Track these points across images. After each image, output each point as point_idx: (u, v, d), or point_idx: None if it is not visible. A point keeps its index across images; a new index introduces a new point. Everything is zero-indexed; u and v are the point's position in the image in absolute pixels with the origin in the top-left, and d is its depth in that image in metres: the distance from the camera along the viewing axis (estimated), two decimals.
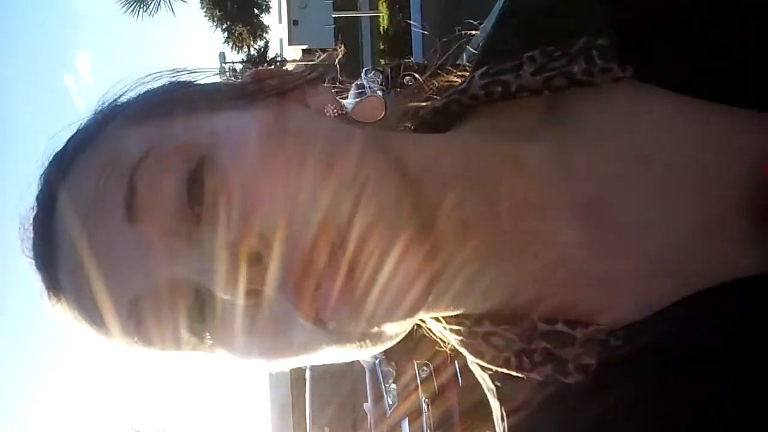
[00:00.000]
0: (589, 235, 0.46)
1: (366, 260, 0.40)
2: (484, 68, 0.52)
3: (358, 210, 0.40)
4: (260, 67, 0.51)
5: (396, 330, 0.44)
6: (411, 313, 0.41)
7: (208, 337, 0.42)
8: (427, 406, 3.38)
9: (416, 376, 3.45)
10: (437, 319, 0.52)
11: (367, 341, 0.43)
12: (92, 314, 0.43)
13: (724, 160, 0.44)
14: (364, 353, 0.45)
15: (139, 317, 0.41)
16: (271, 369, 0.48)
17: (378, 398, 3.81)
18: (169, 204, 0.40)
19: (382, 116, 0.51)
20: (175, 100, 0.47)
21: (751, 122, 0.44)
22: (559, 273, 0.47)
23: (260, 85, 0.49)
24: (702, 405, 0.41)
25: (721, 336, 0.41)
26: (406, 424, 3.59)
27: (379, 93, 0.53)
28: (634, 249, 0.46)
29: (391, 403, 3.69)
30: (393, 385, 3.66)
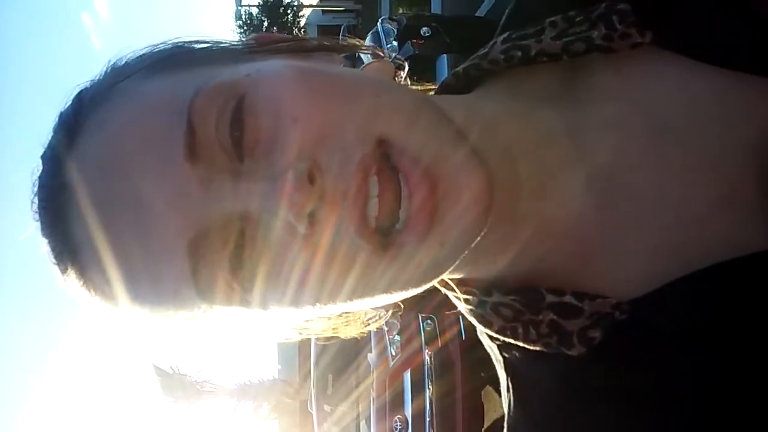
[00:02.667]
0: (599, 204, 0.46)
1: (442, 180, 0.39)
2: (507, 34, 0.51)
3: (414, 128, 0.40)
4: (260, 33, 0.52)
5: (442, 267, 0.43)
6: (474, 238, 0.41)
7: (256, 282, 0.41)
8: (430, 359, 3.43)
9: (420, 330, 3.50)
10: (449, 288, 0.53)
11: (429, 273, 0.42)
12: (131, 267, 0.41)
13: (741, 132, 0.43)
14: (411, 291, 0.44)
15: (197, 260, 0.40)
16: (310, 319, 0.48)
17: (382, 350, 3.87)
18: (219, 142, 0.40)
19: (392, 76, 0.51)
20: (195, 53, 0.47)
21: None
22: (567, 242, 0.47)
23: (272, 46, 0.49)
24: (699, 383, 0.40)
25: (725, 313, 0.41)
26: (408, 375, 3.65)
27: (386, 54, 0.53)
28: (645, 221, 0.45)
29: (394, 354, 3.75)
30: (397, 337, 3.71)
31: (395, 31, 4.81)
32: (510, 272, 0.49)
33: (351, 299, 0.42)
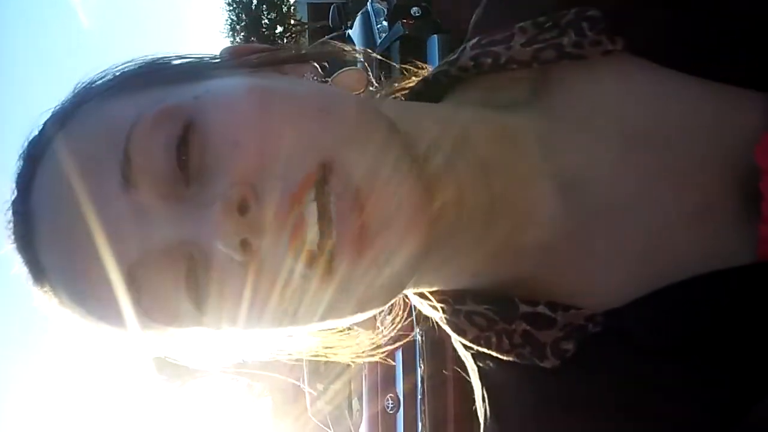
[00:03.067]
0: (570, 213, 0.46)
1: (370, 199, 0.38)
2: (476, 39, 0.50)
3: (359, 151, 0.39)
4: (237, 45, 0.52)
5: (392, 286, 0.42)
6: (416, 255, 0.40)
7: (208, 306, 0.41)
8: (421, 338, 3.46)
9: (413, 308, 3.52)
10: (422, 296, 0.52)
11: (370, 296, 0.41)
12: (84, 291, 0.42)
13: (715, 141, 0.43)
14: (359, 316, 0.44)
15: (138, 285, 0.41)
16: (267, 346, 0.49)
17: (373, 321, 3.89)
18: (161, 168, 0.40)
19: (364, 89, 0.50)
20: (156, 73, 0.47)
21: (746, 102, 0.42)
22: (540, 252, 0.47)
23: (241, 59, 0.48)
24: (673, 397, 0.41)
25: (698, 329, 0.41)
26: (400, 354, 3.68)
27: (359, 66, 0.51)
28: (617, 231, 0.45)
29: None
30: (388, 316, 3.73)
31: (385, 11, 4.77)
32: (483, 282, 0.49)
33: (303, 323, 0.42)
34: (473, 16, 0.55)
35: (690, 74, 0.43)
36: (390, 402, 3.67)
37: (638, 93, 0.46)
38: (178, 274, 0.40)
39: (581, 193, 0.45)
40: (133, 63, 0.48)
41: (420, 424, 3.24)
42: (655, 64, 0.45)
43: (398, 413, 3.52)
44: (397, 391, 3.62)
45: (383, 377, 3.77)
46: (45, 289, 0.45)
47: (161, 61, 0.48)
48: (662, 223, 0.44)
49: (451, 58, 0.51)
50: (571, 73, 0.47)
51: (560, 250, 0.46)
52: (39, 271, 0.45)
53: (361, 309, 0.43)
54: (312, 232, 0.38)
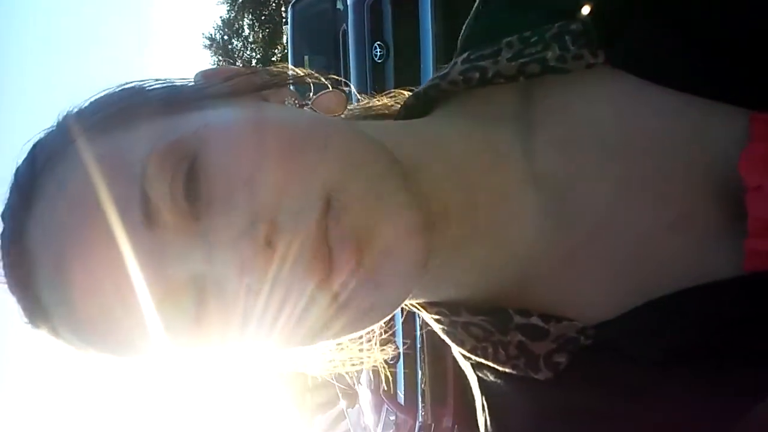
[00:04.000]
0: (555, 226, 0.46)
1: (372, 227, 0.39)
2: (466, 54, 0.51)
3: (358, 183, 0.41)
4: (211, 69, 0.51)
5: (395, 301, 0.44)
6: (414, 272, 0.41)
7: (214, 331, 0.42)
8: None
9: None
10: (421, 308, 0.53)
11: (372, 312, 0.43)
12: (98, 330, 0.42)
13: (696, 154, 0.43)
14: (366, 328, 0.46)
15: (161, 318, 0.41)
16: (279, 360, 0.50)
17: None
18: (175, 205, 0.40)
19: (343, 110, 0.52)
20: (144, 105, 0.46)
21: (726, 116, 0.42)
22: (528, 264, 0.47)
23: (220, 86, 0.48)
24: (664, 411, 0.41)
25: (687, 342, 0.41)
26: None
27: (338, 90, 0.52)
28: (601, 243, 0.45)
29: None
30: None
31: None
32: (477, 294, 0.49)
33: (309, 342, 0.44)
34: (463, 29, 0.55)
35: (671, 88, 0.44)
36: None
37: (618, 106, 0.46)
38: (189, 305, 0.41)
39: (565, 205, 0.46)
40: (120, 89, 0.48)
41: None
42: (637, 78, 0.45)
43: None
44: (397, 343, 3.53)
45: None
46: (47, 327, 0.44)
47: (148, 86, 0.48)
48: (645, 234, 0.44)
49: (442, 73, 0.52)
50: (555, 87, 0.48)
51: (547, 262, 0.47)
52: (40, 313, 0.44)
53: (365, 325, 0.45)
54: (325, 261, 0.39)
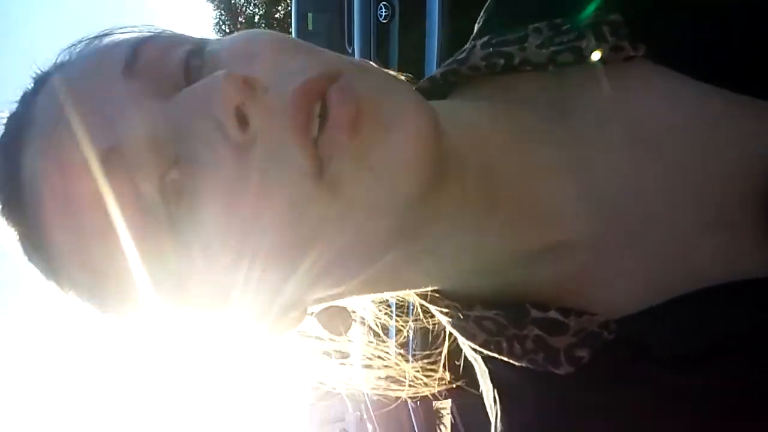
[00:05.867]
0: (587, 219, 0.44)
1: (380, 101, 0.35)
2: (486, 38, 0.48)
3: (370, 77, 0.37)
4: None
5: (392, 205, 0.36)
6: (414, 182, 0.35)
7: (183, 222, 0.36)
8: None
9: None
10: (431, 301, 0.51)
11: (371, 209, 0.36)
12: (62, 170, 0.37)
13: (737, 152, 0.42)
14: (366, 241, 0.38)
15: (111, 169, 0.36)
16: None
17: None
18: (168, 67, 0.38)
19: None
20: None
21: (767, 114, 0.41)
22: (553, 256, 0.45)
23: None
24: (686, 411, 0.40)
25: (712, 340, 0.40)
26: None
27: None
28: (634, 238, 0.44)
29: None
30: None
31: None
32: (492, 286, 0.47)
33: (279, 226, 0.35)
34: (482, 12, 0.53)
35: (712, 84, 0.42)
36: None
37: (657, 101, 0.44)
38: (155, 170, 0.36)
39: (599, 198, 0.44)
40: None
41: None
42: (677, 73, 0.43)
43: None
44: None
45: None
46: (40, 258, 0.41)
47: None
48: (681, 232, 0.42)
49: (460, 57, 0.49)
50: (590, 78, 0.46)
51: (576, 255, 0.45)
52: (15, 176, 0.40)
53: (364, 227, 0.37)
54: (316, 126, 0.34)
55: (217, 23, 18.23)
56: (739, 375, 0.39)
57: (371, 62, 0.42)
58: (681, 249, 0.42)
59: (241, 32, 0.41)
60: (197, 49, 0.39)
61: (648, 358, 0.41)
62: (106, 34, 0.44)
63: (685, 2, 0.44)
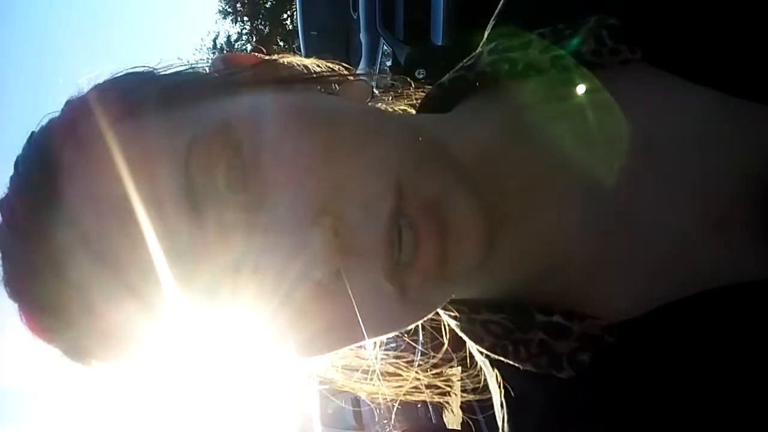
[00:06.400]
0: (588, 225, 0.45)
1: (443, 222, 0.38)
2: (493, 44, 0.50)
3: (422, 170, 0.39)
4: (231, 54, 0.50)
5: (450, 294, 0.45)
6: (478, 265, 0.40)
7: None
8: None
9: None
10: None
11: (435, 306, 0.44)
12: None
13: (737, 157, 0.42)
14: (420, 319, 0.46)
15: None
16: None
17: None
18: (223, 194, 0.38)
19: (369, 100, 0.51)
20: (175, 84, 0.44)
21: (766, 118, 0.41)
22: (557, 262, 0.46)
23: (247, 74, 0.47)
24: (686, 414, 0.40)
25: (713, 343, 0.40)
26: None
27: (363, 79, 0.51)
28: (635, 242, 0.44)
29: None
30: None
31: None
32: (498, 291, 0.49)
33: (373, 336, 0.43)
34: (491, 20, 0.53)
35: (709, 87, 0.43)
36: None
37: (657, 103, 0.45)
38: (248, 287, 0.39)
39: (600, 202, 0.45)
40: (133, 72, 0.46)
41: None
42: (675, 75, 0.44)
43: None
44: None
45: None
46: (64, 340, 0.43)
47: (165, 70, 0.46)
48: (681, 234, 0.43)
49: (468, 63, 0.51)
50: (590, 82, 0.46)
51: (577, 258, 0.45)
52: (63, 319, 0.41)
53: (418, 320, 0.45)
54: (396, 253, 0.38)
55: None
56: (739, 377, 0.39)
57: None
58: (682, 252, 0.43)
59: (264, 119, 0.40)
60: (234, 155, 0.38)
61: (649, 361, 0.42)
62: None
63: (682, 6, 0.44)
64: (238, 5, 17.66)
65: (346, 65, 0.53)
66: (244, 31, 17.71)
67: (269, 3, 17.56)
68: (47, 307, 0.41)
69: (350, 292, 0.38)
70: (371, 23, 3.24)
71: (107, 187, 0.38)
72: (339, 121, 0.41)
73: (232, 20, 17.84)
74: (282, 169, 0.38)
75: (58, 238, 0.39)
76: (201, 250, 0.38)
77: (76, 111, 0.43)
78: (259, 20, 17.73)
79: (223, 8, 17.83)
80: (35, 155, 0.43)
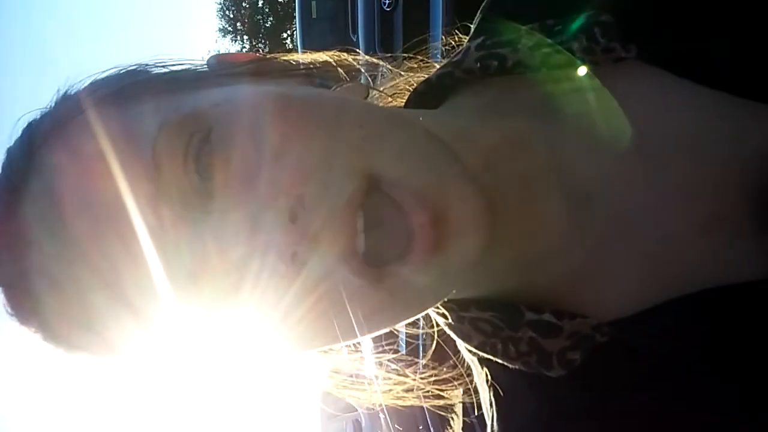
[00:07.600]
0: (579, 222, 0.44)
1: (436, 207, 0.37)
2: (481, 39, 0.48)
3: (406, 160, 0.38)
4: (227, 53, 0.51)
5: (450, 288, 0.42)
6: (477, 257, 0.38)
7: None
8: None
9: None
10: None
11: (429, 301, 0.41)
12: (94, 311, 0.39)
13: (730, 155, 0.41)
14: (409, 319, 0.43)
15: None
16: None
17: None
18: (187, 179, 0.38)
19: (365, 96, 0.50)
20: (158, 78, 0.44)
21: (763, 116, 0.41)
22: (549, 260, 0.45)
23: (239, 69, 0.46)
24: (677, 413, 0.40)
25: (705, 343, 0.40)
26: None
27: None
28: (627, 241, 0.44)
29: None
30: None
31: None
32: (488, 289, 0.48)
33: (344, 338, 0.40)
34: (477, 14, 0.52)
35: (706, 85, 0.42)
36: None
37: (650, 102, 0.44)
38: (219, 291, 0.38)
39: (592, 201, 0.44)
40: (125, 69, 0.46)
41: None
42: (668, 73, 0.43)
43: None
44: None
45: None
46: (36, 322, 0.42)
47: (155, 67, 0.46)
48: (673, 234, 0.42)
49: (456, 59, 0.49)
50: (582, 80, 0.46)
51: (568, 258, 0.45)
52: (30, 300, 0.40)
53: (408, 316, 0.42)
54: (361, 242, 0.37)
55: (221, 9, 18.14)
56: (731, 376, 0.39)
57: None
58: (675, 251, 0.42)
59: (241, 107, 0.39)
60: (203, 139, 0.38)
61: (640, 360, 0.41)
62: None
63: (675, 4, 0.44)
64: (238, 24, 17.81)
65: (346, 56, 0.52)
66: (244, 50, 17.79)
67: (269, 22, 17.71)
68: (15, 286, 0.41)
69: (305, 275, 0.36)
70: (370, 45, 3.29)
71: (78, 164, 0.39)
72: (312, 108, 0.39)
73: (231, 39, 18.00)
74: (248, 154, 0.37)
75: (27, 218, 0.39)
76: (160, 235, 0.37)
77: (63, 104, 0.44)
78: (259, 39, 17.87)
79: (223, 27, 18.01)
80: (19, 145, 0.43)
